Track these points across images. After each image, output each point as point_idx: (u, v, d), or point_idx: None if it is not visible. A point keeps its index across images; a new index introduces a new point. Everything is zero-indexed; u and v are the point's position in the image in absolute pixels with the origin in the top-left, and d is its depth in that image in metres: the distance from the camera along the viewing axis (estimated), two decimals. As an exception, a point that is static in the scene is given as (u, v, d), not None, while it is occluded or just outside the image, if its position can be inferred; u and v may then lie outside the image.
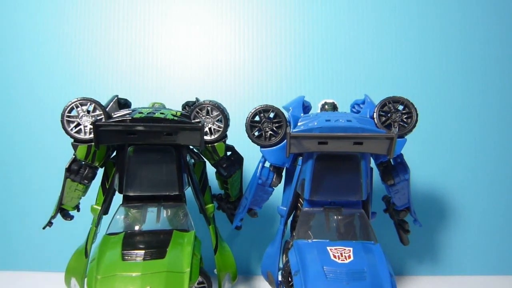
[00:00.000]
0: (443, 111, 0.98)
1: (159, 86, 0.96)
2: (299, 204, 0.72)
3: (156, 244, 0.55)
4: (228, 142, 0.71)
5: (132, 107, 0.74)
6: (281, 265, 0.72)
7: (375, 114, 0.65)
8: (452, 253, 0.98)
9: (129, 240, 0.56)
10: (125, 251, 0.53)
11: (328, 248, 0.58)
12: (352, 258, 0.56)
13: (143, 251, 0.53)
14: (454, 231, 0.98)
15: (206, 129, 0.65)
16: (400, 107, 0.66)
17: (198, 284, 0.62)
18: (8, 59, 0.97)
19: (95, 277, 0.49)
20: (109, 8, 0.99)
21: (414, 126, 0.65)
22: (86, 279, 0.52)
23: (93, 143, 0.61)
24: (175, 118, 0.62)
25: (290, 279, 0.64)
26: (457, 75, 0.99)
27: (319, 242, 0.60)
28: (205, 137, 0.65)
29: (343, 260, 0.55)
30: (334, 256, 0.56)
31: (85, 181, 0.68)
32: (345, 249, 0.57)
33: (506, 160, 0.98)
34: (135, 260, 0.51)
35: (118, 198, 0.69)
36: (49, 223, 0.74)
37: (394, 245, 0.83)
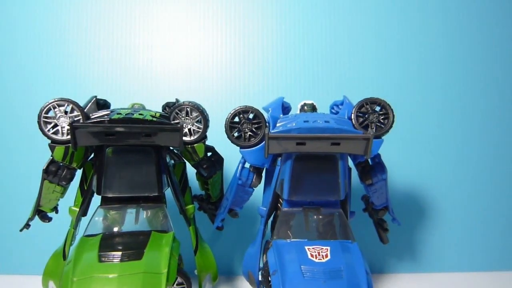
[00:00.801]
0: (423, 110, 1.00)
1: (139, 86, 0.96)
2: (279, 204, 0.72)
3: (134, 245, 0.55)
4: (208, 142, 0.72)
5: (112, 107, 0.74)
6: (261, 265, 0.72)
7: (352, 115, 0.66)
8: (431, 251, 1.00)
9: (107, 242, 0.55)
10: (102, 253, 0.53)
11: (306, 247, 0.59)
12: (329, 257, 0.57)
13: (120, 253, 0.53)
14: (432, 229, 1.01)
15: (186, 130, 0.65)
16: (377, 108, 0.67)
17: (177, 285, 0.62)
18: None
19: (71, 279, 0.48)
20: (89, 7, 0.98)
21: (391, 126, 0.66)
22: (61, 282, 0.51)
23: (70, 144, 0.61)
24: (154, 119, 0.62)
25: (269, 279, 0.64)
26: (438, 74, 1.01)
27: (297, 242, 0.61)
28: (185, 138, 0.65)
29: (320, 259, 0.56)
30: (312, 255, 0.57)
31: (63, 182, 0.67)
32: (322, 248, 0.58)
33: (485, 158, 1.01)
34: (112, 261, 0.51)
35: (96, 199, 0.69)
36: (27, 225, 0.73)
37: (374, 244, 0.85)
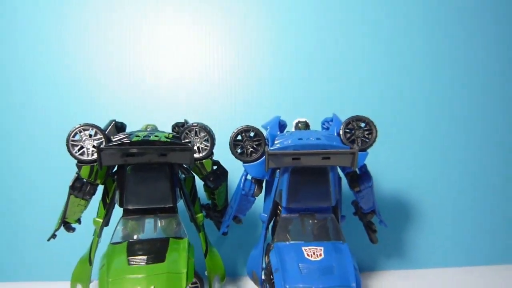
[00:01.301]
0: (408, 115, 1.10)
1: (148, 107, 1.05)
2: (278, 211, 0.81)
3: (156, 250, 0.64)
4: (213, 157, 0.81)
5: (128, 128, 0.83)
6: (264, 265, 0.81)
7: (341, 131, 0.76)
8: (417, 249, 1.10)
9: (132, 248, 0.64)
10: (130, 257, 0.61)
11: (303, 248, 0.68)
12: (323, 256, 0.66)
13: (145, 257, 0.62)
14: (418, 229, 1.10)
15: (195, 148, 0.74)
16: (362, 125, 0.77)
17: (192, 284, 0.71)
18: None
19: (107, 280, 0.57)
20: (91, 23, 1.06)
21: (374, 141, 0.76)
22: (97, 282, 0.60)
23: (95, 163, 0.70)
24: (168, 140, 0.71)
25: (271, 277, 0.73)
26: (423, 77, 1.10)
27: (295, 244, 0.70)
28: (194, 155, 0.74)
29: (315, 258, 0.65)
30: (308, 255, 0.66)
31: (87, 197, 0.76)
32: (317, 249, 0.67)
33: (469, 156, 1.11)
34: (139, 264, 0.60)
35: (116, 211, 0.78)
36: (53, 236, 0.81)
37: (364, 244, 0.93)
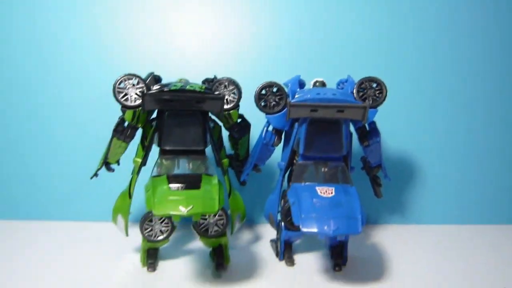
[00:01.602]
0: (417, 79, 1.19)
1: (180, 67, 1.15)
2: (294, 161, 0.91)
3: (192, 181, 0.74)
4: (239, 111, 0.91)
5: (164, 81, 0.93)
6: (280, 208, 0.92)
7: (354, 90, 0.85)
8: (418, 206, 1.20)
9: (172, 179, 0.75)
10: (170, 185, 0.72)
11: (316, 187, 0.78)
12: (333, 194, 0.76)
13: (184, 184, 0.72)
14: (420, 187, 1.20)
15: (225, 99, 0.84)
16: (374, 85, 0.85)
17: (218, 216, 0.83)
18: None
19: (153, 201, 0.68)
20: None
21: (384, 99, 0.84)
22: (146, 202, 0.71)
23: (138, 109, 0.80)
24: (202, 90, 0.80)
25: (286, 216, 0.84)
26: (432, 40, 1.19)
27: (309, 184, 0.80)
28: (224, 106, 0.84)
29: (327, 195, 0.76)
30: (321, 192, 0.76)
31: (128, 139, 0.86)
32: (328, 189, 0.77)
33: (472, 122, 1.21)
34: (179, 189, 0.71)
35: (151, 155, 0.88)
36: (96, 174, 0.93)
37: (370, 198, 1.02)
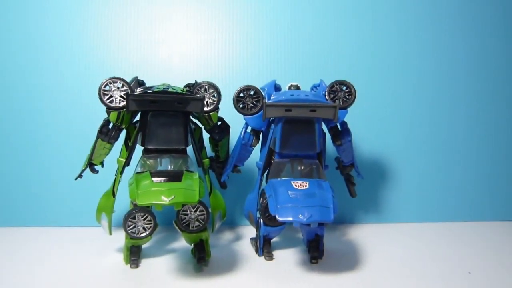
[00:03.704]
0: (385, 82, 1.28)
1: (161, 75, 1.21)
2: (271, 160, 0.96)
3: (174, 175, 0.78)
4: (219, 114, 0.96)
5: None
6: (258, 206, 0.96)
7: (326, 92, 0.91)
8: (391, 205, 1.26)
9: (155, 173, 0.79)
10: (153, 178, 0.76)
11: (292, 181, 0.83)
12: (307, 186, 0.81)
13: (166, 178, 0.76)
14: (392, 186, 1.26)
15: (205, 101, 0.89)
16: (344, 88, 0.92)
17: (199, 211, 0.86)
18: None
19: (137, 192, 0.72)
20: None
21: (354, 101, 0.91)
22: (130, 193, 0.75)
23: (122, 110, 0.84)
24: (183, 92, 0.85)
25: (265, 212, 0.88)
26: (391, 45, 1.28)
27: (285, 179, 0.85)
28: (204, 108, 0.89)
29: (302, 188, 0.80)
30: (296, 185, 0.81)
31: (112, 140, 0.90)
32: (303, 182, 0.82)
33: (437, 122, 1.29)
34: (162, 182, 0.75)
35: (134, 155, 0.92)
36: (80, 175, 0.95)
37: (345, 199, 1.08)
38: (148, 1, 1.23)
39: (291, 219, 0.74)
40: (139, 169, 0.84)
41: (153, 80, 1.08)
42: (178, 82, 1.04)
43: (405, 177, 1.27)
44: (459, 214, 1.28)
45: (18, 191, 1.19)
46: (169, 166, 0.86)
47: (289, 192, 0.79)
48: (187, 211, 0.85)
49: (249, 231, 1.09)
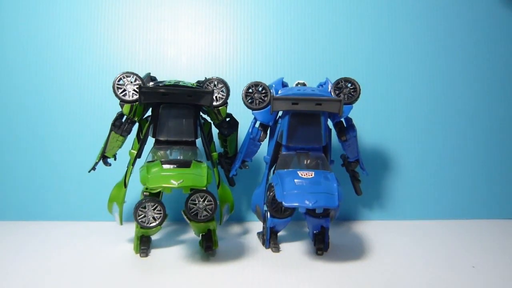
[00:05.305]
0: (394, 76, 1.30)
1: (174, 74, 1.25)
2: (278, 155, 0.99)
3: (183, 162, 0.81)
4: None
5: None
6: (265, 200, 0.98)
7: (331, 89, 0.94)
8: (397, 201, 1.27)
9: (165, 161, 0.82)
10: (163, 165, 0.79)
11: (298, 171, 0.85)
12: (313, 176, 0.83)
13: (176, 164, 0.80)
14: (398, 182, 1.28)
15: (214, 96, 0.92)
16: (349, 84, 0.95)
17: (207, 202, 0.89)
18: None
19: (147, 177, 0.75)
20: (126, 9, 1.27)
21: (358, 97, 0.94)
22: (141, 177, 0.78)
23: (135, 103, 0.88)
24: (193, 86, 0.89)
25: (272, 204, 0.90)
26: (387, 42, 1.30)
27: (292, 170, 0.88)
28: (213, 103, 0.92)
29: (307, 177, 0.83)
30: (302, 175, 0.83)
31: (125, 133, 0.94)
32: (309, 172, 0.85)
33: (449, 119, 1.30)
34: (171, 167, 0.78)
35: (146, 148, 0.96)
36: (93, 168, 0.99)
37: (350, 196, 1.10)
38: (157, 1, 1.28)
39: (297, 204, 0.77)
40: (150, 159, 0.87)
41: (162, 78, 1.12)
42: (187, 80, 1.08)
43: (410, 174, 1.28)
44: (465, 211, 1.28)
45: (32, 187, 1.23)
46: (179, 157, 0.89)
47: (295, 180, 0.82)
48: (195, 201, 0.87)
49: (257, 226, 1.11)
